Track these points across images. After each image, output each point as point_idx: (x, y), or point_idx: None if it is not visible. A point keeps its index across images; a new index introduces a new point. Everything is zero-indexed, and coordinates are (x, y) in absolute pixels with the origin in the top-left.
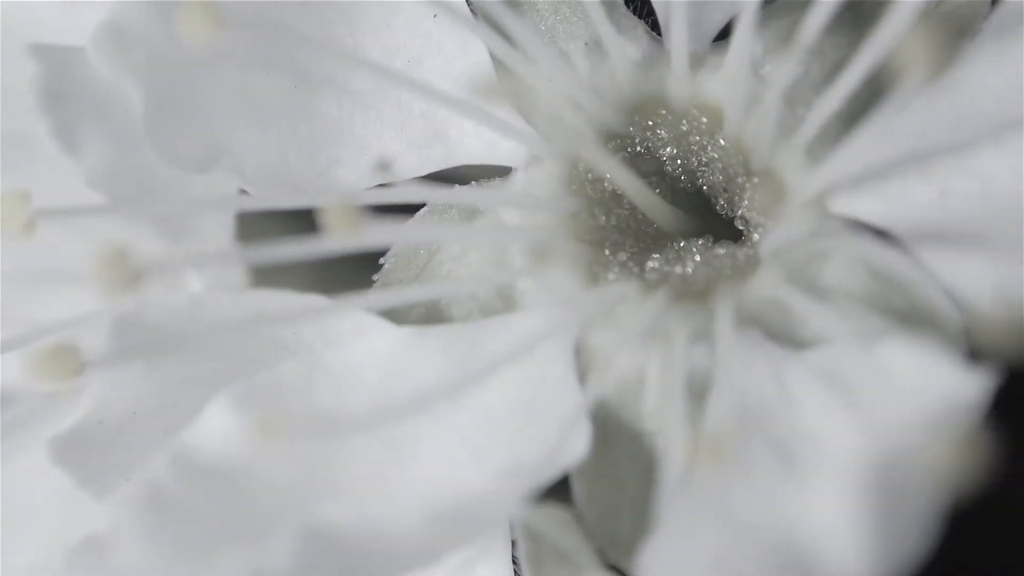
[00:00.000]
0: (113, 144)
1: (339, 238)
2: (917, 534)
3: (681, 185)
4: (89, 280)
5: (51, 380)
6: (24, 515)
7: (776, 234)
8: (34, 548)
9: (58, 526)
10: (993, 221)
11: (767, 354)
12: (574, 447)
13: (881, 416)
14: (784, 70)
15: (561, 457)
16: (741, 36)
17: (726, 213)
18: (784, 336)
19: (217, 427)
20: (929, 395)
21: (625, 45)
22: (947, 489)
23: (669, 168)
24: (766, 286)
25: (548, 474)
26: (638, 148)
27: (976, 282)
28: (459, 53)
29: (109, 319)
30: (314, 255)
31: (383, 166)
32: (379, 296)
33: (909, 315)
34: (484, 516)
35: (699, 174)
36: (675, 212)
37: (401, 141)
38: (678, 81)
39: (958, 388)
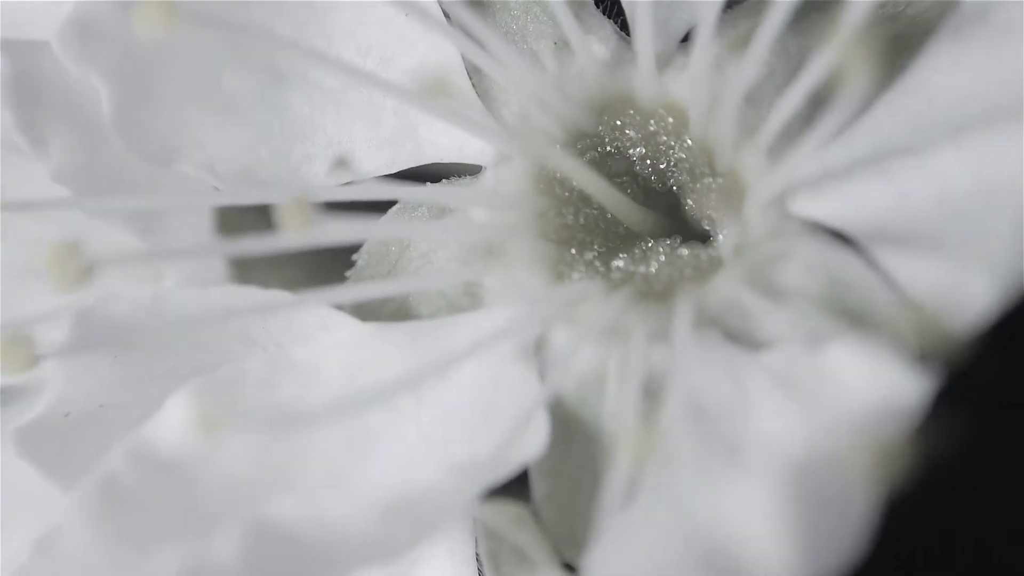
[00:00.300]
0: (80, 139)
1: (295, 235)
2: (847, 538)
3: (652, 185)
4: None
5: (6, 372)
6: (17, 508)
7: (736, 235)
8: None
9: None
10: (950, 224)
11: (725, 355)
12: (532, 444)
13: (821, 419)
14: (745, 70)
15: (519, 453)
16: (703, 37)
17: (695, 214)
18: (743, 337)
19: (174, 420)
20: (868, 398)
21: (592, 45)
22: (876, 493)
23: (639, 168)
24: (726, 287)
25: (505, 470)
26: (608, 148)
27: (929, 285)
28: (430, 53)
29: (71, 312)
30: (271, 251)
31: (342, 163)
32: (342, 292)
33: (862, 317)
34: (439, 512)
35: (669, 174)
36: (643, 212)
37: (372, 138)
38: (645, 81)
39: (897, 391)
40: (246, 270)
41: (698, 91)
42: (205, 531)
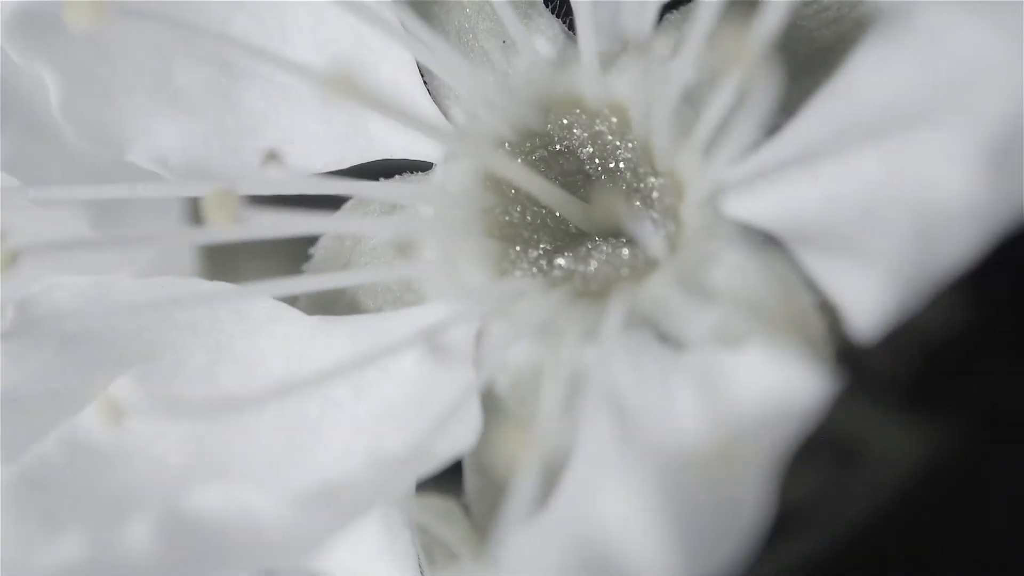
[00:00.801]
0: (28, 129)
1: (219, 228)
2: (735, 540)
3: (602, 184)
4: None
5: None
6: None
7: (672, 235)
8: None
9: None
10: (866, 229)
11: (654, 355)
12: (463, 438)
13: (716, 419)
14: (679, 70)
15: (450, 447)
16: (641, 37)
17: (641, 213)
18: (672, 338)
19: (109, 408)
20: (765, 399)
21: (537, 44)
22: (766, 496)
23: (588, 167)
24: (658, 288)
25: (435, 464)
26: (557, 146)
27: (843, 288)
28: (386, 52)
29: (11, 301)
30: (202, 243)
31: (273, 157)
32: (286, 284)
33: (784, 319)
34: (361, 503)
35: (617, 174)
36: (587, 210)
37: (324, 134)
38: (589, 81)
39: (794, 394)
40: (226, 262)
41: (637, 91)
42: (119, 518)
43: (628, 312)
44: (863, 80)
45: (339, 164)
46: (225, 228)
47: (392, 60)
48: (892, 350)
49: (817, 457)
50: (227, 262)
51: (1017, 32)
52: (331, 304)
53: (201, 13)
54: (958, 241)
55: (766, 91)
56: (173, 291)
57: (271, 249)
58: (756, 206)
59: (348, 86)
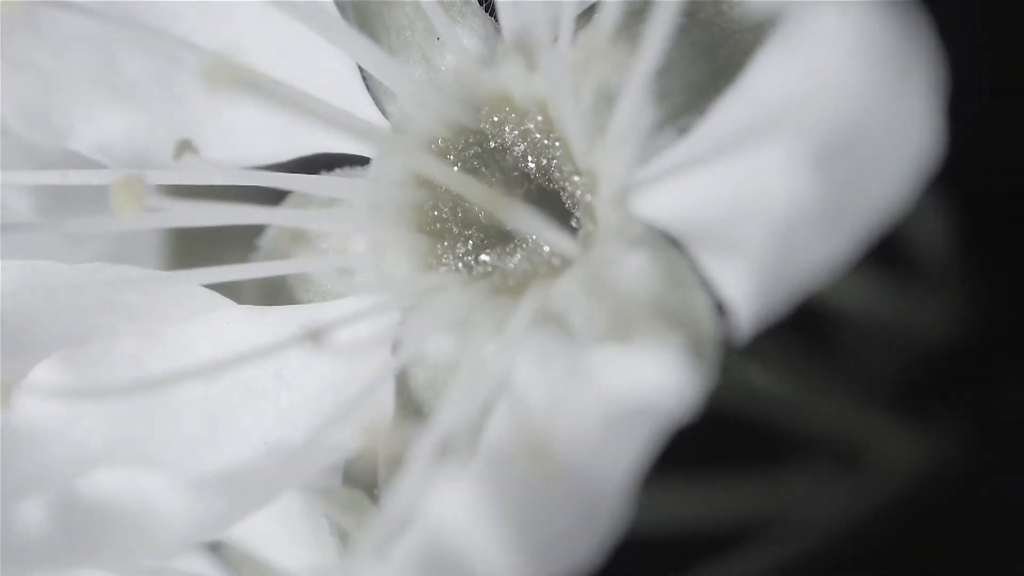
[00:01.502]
0: None
1: (126, 215)
2: (582, 542)
3: (541, 182)
4: None
5: None
6: None
7: (586, 234)
8: None
9: None
10: (743, 233)
11: (560, 354)
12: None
13: (584, 419)
14: (597, 67)
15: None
16: (563, 36)
17: (569, 211)
18: (578, 336)
19: (32, 390)
20: (631, 397)
21: (467, 42)
22: (618, 498)
23: (522, 165)
24: (568, 286)
25: (342, 454)
26: (492, 144)
27: (731, 291)
28: (327, 51)
29: None
30: (106, 232)
31: (185, 146)
32: (218, 272)
33: (676, 319)
34: (266, 492)
35: (549, 172)
36: (513, 207)
37: (266, 127)
38: (515, 79)
39: (659, 395)
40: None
41: (554, 90)
42: (14, 500)
43: (537, 310)
44: (763, 81)
45: (279, 157)
46: (132, 216)
47: (333, 60)
48: (893, 355)
49: (816, 462)
50: (206, 252)
51: (871, 35)
52: (275, 295)
53: (149, 10)
54: (811, 247)
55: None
56: (105, 276)
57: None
58: (658, 206)
59: (230, 79)
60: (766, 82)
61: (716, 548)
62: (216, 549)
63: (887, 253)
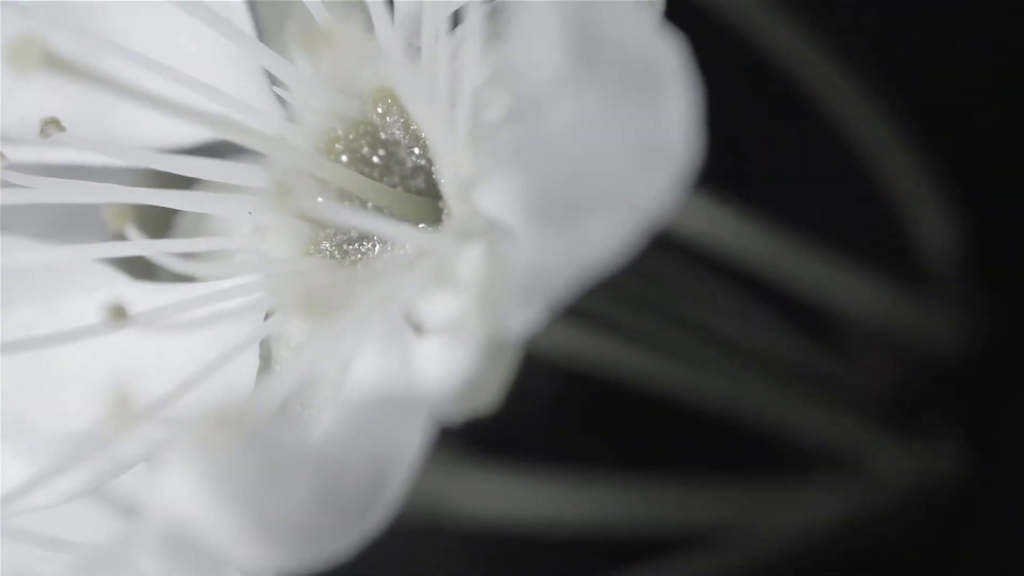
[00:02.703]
0: None
1: None
2: (334, 533)
3: (431, 173)
4: None
5: None
6: None
7: (442, 226)
8: None
9: None
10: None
11: (404, 343)
12: None
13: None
14: (457, 65)
15: None
16: (426, 34)
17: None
18: (421, 327)
19: None
20: (432, 384)
21: (352, 36)
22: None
23: (407, 156)
24: (418, 276)
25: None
26: (382, 135)
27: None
28: (227, 50)
29: None
30: None
31: (50, 124)
32: (109, 248)
33: (491, 315)
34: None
35: (431, 163)
36: (395, 198)
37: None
38: (394, 73)
39: (429, 390)
40: None
41: (416, 83)
42: None
43: (385, 299)
44: None
45: (185, 141)
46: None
47: (233, 58)
48: (892, 367)
49: (810, 475)
50: None
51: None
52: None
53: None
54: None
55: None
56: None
57: None
58: (491, 198)
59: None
60: None
61: (668, 550)
62: None
63: (892, 259)
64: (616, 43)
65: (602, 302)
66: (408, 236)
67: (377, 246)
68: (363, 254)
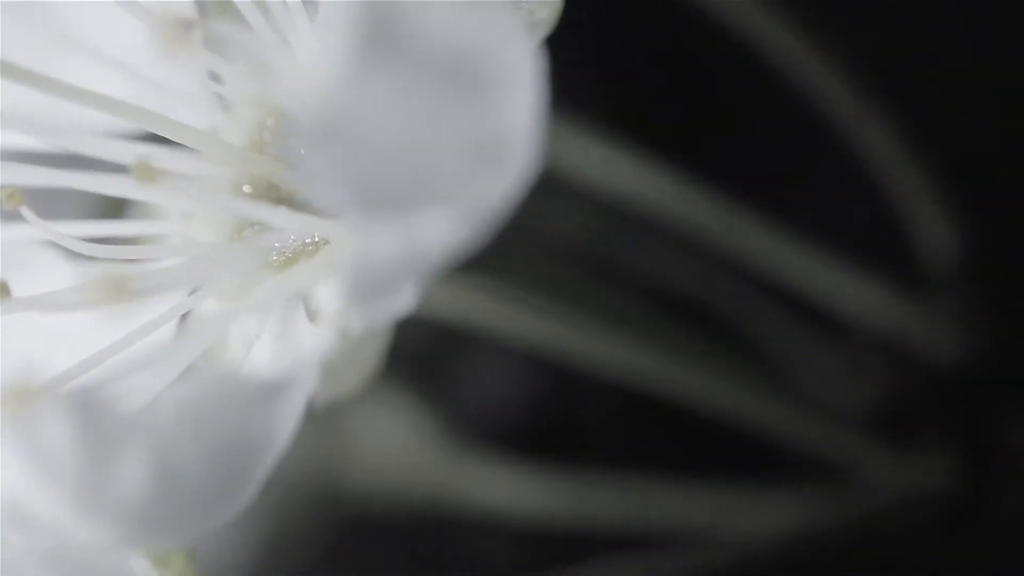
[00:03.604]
0: None
1: None
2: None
3: None
4: None
5: None
6: None
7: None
8: None
9: None
10: None
11: (299, 328)
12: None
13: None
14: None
15: None
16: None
17: None
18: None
19: None
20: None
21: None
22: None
23: None
24: (317, 265)
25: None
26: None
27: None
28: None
29: None
30: None
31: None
32: (64, 227)
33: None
34: None
35: None
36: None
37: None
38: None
39: (280, 378)
40: None
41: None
42: None
43: (285, 285)
44: None
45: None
46: None
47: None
48: (889, 372)
49: (801, 485)
50: None
51: None
52: None
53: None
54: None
55: None
56: None
57: None
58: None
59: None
60: None
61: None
62: None
63: (892, 264)
64: (429, 40)
65: (608, 297)
66: (311, 225)
67: (292, 235)
68: (279, 242)
